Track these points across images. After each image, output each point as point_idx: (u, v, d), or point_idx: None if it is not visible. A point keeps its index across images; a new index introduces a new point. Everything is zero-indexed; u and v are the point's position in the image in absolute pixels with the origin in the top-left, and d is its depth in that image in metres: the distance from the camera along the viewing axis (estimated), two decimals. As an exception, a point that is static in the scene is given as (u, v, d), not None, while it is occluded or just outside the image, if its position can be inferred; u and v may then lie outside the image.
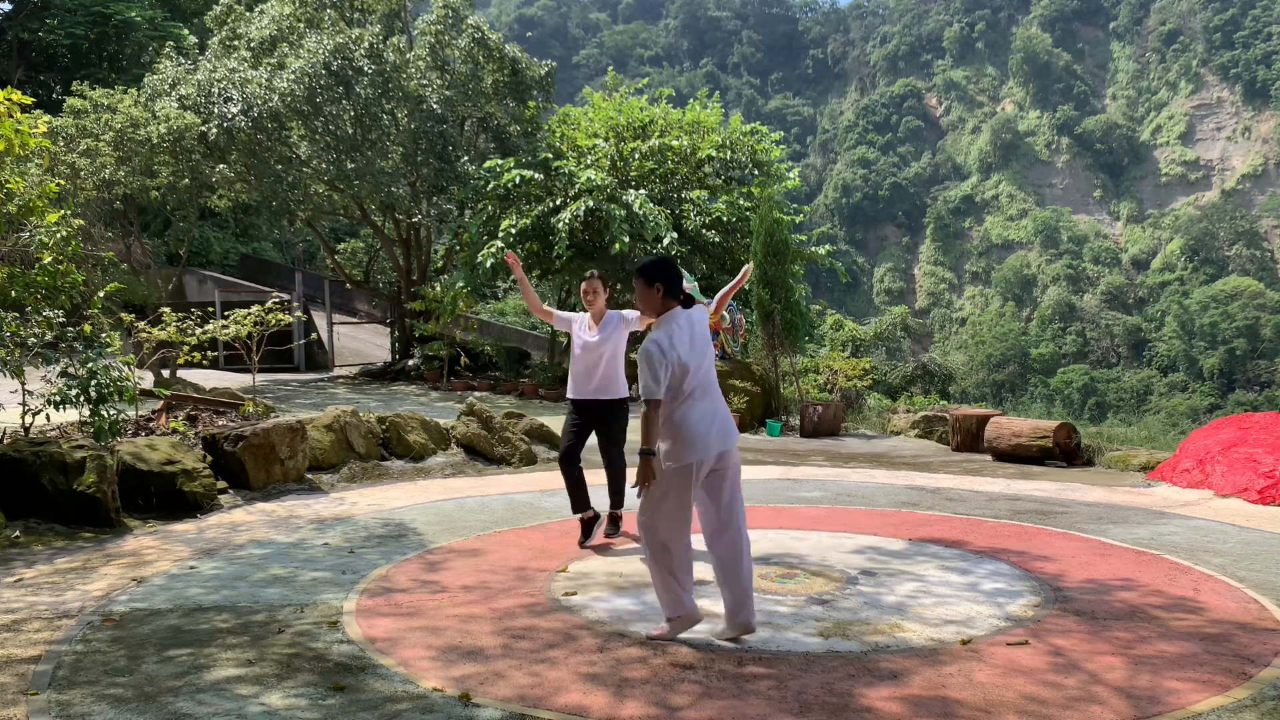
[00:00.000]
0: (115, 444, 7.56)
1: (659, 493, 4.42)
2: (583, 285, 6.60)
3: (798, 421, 13.37)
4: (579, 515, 6.51)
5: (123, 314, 10.60)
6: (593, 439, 6.60)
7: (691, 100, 20.45)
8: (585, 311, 6.67)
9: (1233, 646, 4.39)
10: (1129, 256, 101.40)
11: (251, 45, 20.13)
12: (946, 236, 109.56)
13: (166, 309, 11.68)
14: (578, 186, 17.51)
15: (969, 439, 11.46)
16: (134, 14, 30.56)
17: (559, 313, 6.72)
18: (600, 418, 6.48)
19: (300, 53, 18.82)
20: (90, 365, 7.44)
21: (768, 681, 3.95)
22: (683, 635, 4.52)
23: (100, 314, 8.33)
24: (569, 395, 6.59)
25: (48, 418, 7.69)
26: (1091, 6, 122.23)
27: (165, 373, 15.63)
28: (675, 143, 18.45)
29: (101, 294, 8.80)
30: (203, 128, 17.93)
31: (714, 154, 18.88)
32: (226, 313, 12.50)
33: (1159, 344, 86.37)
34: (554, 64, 22.01)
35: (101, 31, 30.49)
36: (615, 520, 6.70)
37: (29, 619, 4.82)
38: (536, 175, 17.80)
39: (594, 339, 6.43)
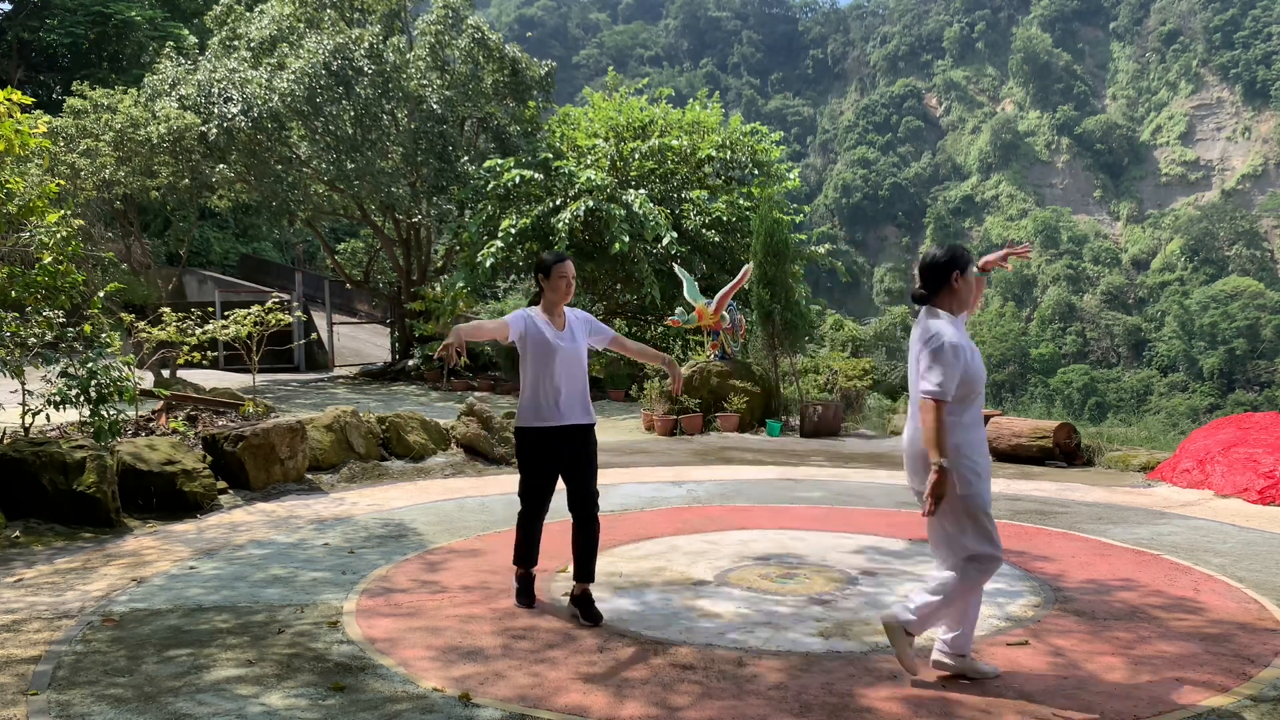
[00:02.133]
0: (115, 444, 7.55)
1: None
2: (558, 268, 4.82)
3: (798, 421, 13.37)
4: (526, 568, 5.09)
5: (123, 314, 10.61)
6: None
7: (691, 100, 20.47)
8: (535, 307, 4.91)
9: (1233, 646, 4.39)
10: (1129, 256, 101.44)
11: (251, 45, 20.13)
12: (946, 236, 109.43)
13: (166, 309, 11.70)
14: (578, 186, 17.52)
15: (969, 439, 11.44)
16: (134, 14, 30.59)
17: (510, 320, 4.80)
18: (581, 449, 4.84)
19: (300, 53, 18.83)
20: (90, 365, 7.44)
21: (767, 681, 3.95)
22: (681, 635, 4.52)
23: (100, 314, 8.33)
24: (542, 424, 4.74)
25: (48, 418, 7.69)
26: (1091, 6, 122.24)
27: (165, 373, 15.63)
28: (675, 143, 18.46)
29: (101, 294, 8.80)
30: (203, 128, 17.93)
31: (714, 154, 18.90)
32: (226, 313, 12.52)
33: (1159, 344, 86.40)
34: (554, 64, 22.03)
35: (101, 31, 30.51)
36: (589, 602, 4.78)
37: (29, 619, 4.81)
38: (536, 175, 17.81)
39: (569, 341, 4.82)
